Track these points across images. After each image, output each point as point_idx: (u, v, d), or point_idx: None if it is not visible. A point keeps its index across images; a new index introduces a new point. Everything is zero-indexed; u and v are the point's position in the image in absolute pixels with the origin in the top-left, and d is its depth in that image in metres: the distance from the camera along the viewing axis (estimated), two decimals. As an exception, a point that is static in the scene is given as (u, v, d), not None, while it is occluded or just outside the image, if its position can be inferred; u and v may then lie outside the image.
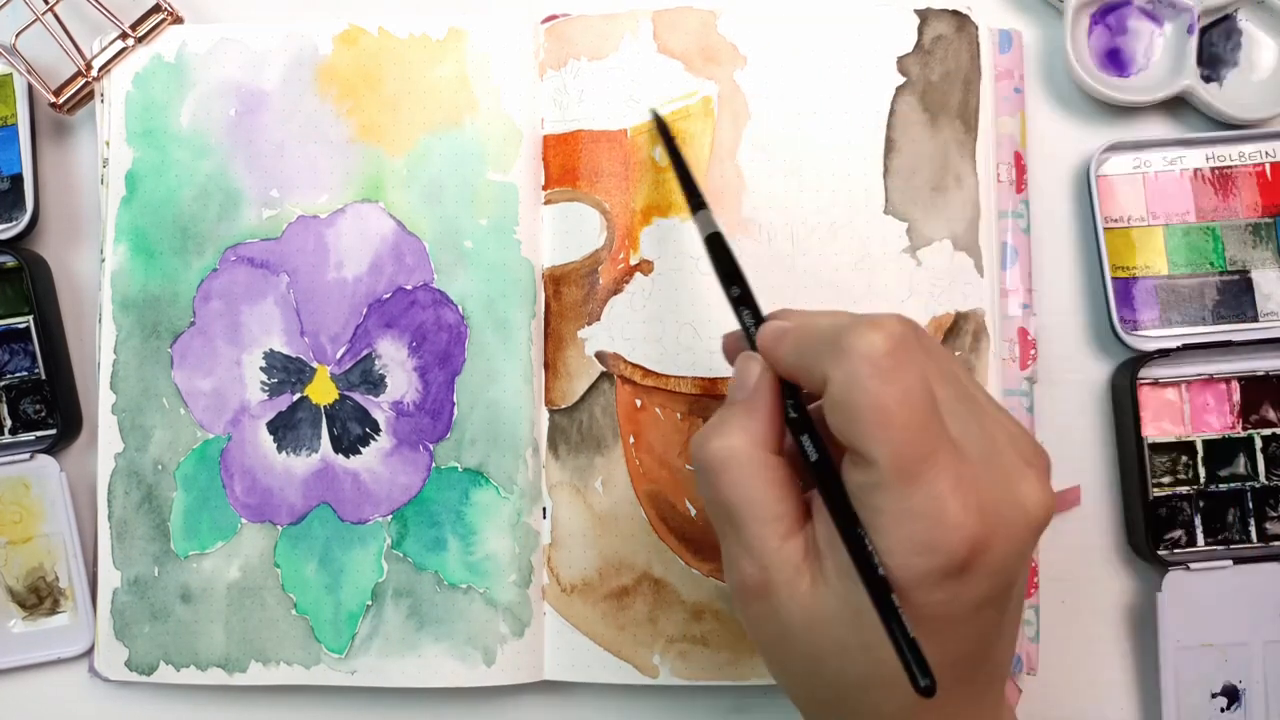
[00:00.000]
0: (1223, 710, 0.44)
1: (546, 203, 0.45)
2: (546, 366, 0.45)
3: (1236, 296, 0.46)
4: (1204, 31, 0.46)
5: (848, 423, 0.28)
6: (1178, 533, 0.45)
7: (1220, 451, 0.45)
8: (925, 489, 0.28)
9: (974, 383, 0.32)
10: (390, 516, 0.44)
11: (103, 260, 0.45)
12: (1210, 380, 0.46)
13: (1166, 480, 0.45)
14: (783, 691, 0.33)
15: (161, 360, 0.45)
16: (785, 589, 0.30)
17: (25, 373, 0.46)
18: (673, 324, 0.44)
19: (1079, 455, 0.46)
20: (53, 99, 0.46)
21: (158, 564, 0.44)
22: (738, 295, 0.35)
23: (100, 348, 0.45)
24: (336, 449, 0.45)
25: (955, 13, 0.45)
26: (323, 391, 0.45)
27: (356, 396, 0.45)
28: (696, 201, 0.39)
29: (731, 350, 0.36)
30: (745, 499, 0.30)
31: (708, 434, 0.31)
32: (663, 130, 0.43)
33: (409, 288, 0.45)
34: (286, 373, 0.45)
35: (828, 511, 0.30)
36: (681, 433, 0.44)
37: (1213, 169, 0.46)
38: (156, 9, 0.46)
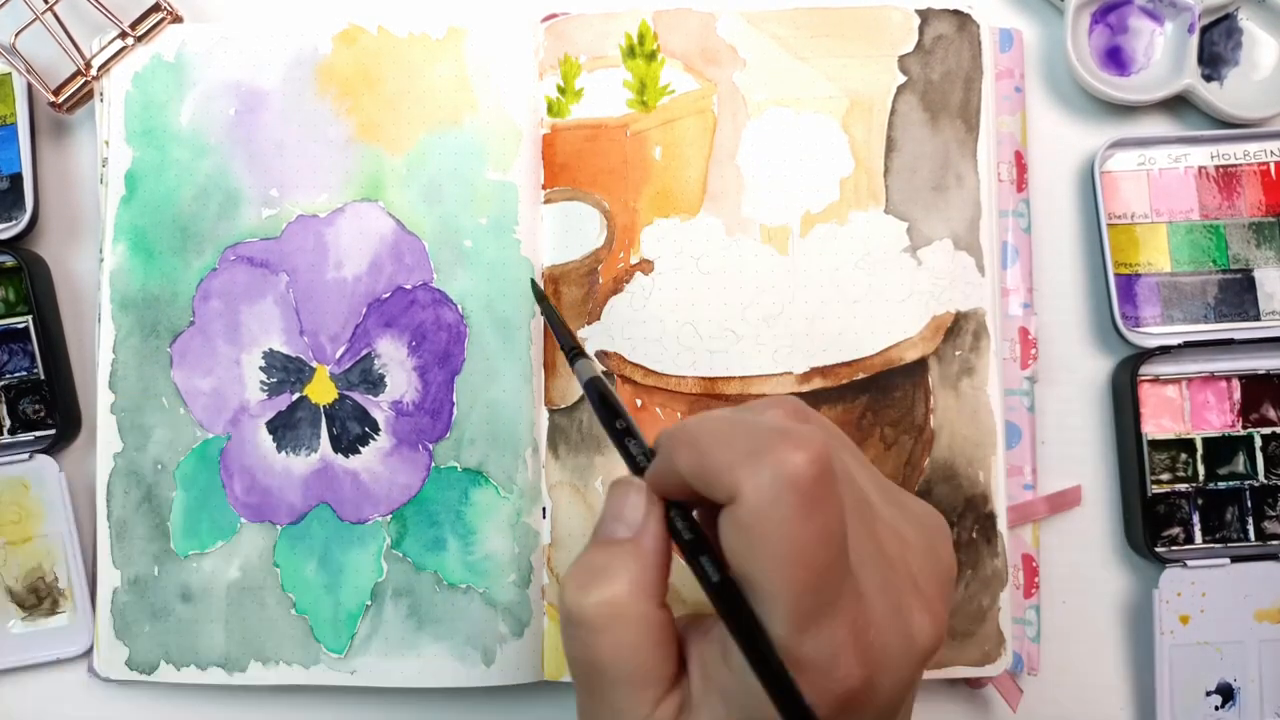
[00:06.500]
0: (1217, 709, 0.44)
1: (546, 202, 0.45)
2: (546, 366, 0.45)
3: (1239, 295, 0.46)
4: (1205, 30, 0.46)
5: (751, 548, 0.25)
6: (1176, 530, 0.45)
7: (1220, 450, 0.45)
8: (821, 637, 0.25)
9: (870, 473, 0.29)
10: (390, 516, 0.44)
11: (102, 260, 0.45)
12: (1211, 378, 0.46)
13: (1165, 477, 0.45)
14: None
15: (161, 360, 0.45)
16: None
17: (24, 372, 0.46)
18: (673, 323, 0.44)
19: (1079, 453, 0.46)
20: (52, 98, 0.46)
21: (157, 563, 0.44)
22: (623, 427, 0.31)
23: (99, 347, 0.45)
24: (336, 449, 0.44)
25: (956, 12, 0.44)
26: (322, 391, 0.45)
27: (356, 396, 0.45)
28: (574, 351, 0.37)
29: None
30: (624, 661, 0.27)
31: (586, 583, 0.27)
32: (537, 293, 0.43)
33: (408, 287, 0.45)
34: (286, 372, 0.45)
35: (737, 644, 0.26)
36: (682, 432, 0.44)
37: (1217, 167, 0.46)
38: (156, 8, 0.46)
